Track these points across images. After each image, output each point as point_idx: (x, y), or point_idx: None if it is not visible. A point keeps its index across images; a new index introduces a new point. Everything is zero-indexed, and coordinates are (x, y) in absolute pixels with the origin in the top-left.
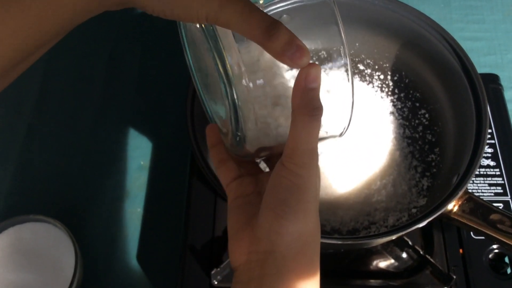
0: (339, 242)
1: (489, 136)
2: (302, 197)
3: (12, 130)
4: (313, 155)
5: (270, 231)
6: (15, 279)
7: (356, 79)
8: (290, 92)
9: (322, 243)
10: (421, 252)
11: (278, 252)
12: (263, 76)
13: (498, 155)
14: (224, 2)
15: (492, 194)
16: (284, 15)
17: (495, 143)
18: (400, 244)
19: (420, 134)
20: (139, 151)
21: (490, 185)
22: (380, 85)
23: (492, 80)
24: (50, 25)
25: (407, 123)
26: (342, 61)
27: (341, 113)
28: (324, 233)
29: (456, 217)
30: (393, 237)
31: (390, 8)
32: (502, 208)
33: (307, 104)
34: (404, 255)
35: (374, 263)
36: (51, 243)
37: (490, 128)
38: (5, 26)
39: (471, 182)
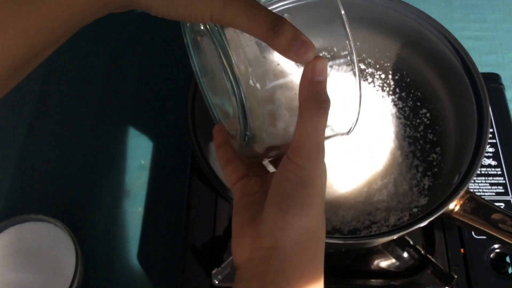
0: (340, 242)
1: (490, 135)
2: (307, 191)
3: (12, 130)
4: (320, 149)
5: (274, 227)
6: (16, 278)
7: None
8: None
9: None
10: (422, 252)
11: (281, 248)
12: (270, 74)
13: (500, 155)
14: (228, 0)
15: (494, 194)
16: (286, 14)
17: (496, 142)
18: (401, 243)
19: (421, 133)
20: (139, 151)
21: (491, 184)
22: (381, 85)
23: (493, 80)
24: (57, 26)
25: (408, 123)
26: (348, 58)
27: (348, 110)
28: (325, 232)
29: (457, 217)
30: (394, 237)
31: (391, 7)
32: (504, 207)
33: (314, 97)
34: (405, 254)
35: (375, 262)
36: (51, 243)
37: (492, 127)
38: (15, 26)
39: (472, 181)
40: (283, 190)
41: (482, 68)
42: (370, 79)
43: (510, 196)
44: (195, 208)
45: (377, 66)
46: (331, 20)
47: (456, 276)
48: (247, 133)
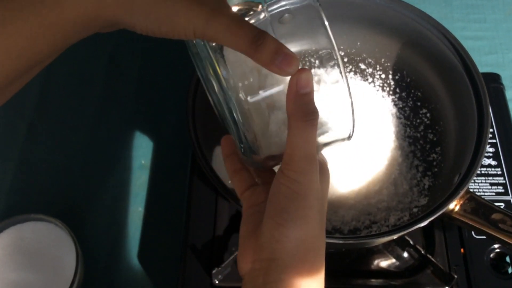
0: (341, 242)
1: (490, 135)
2: (301, 204)
3: (12, 129)
4: (312, 161)
5: (271, 239)
6: (16, 278)
7: (358, 78)
8: None
9: None
10: (422, 252)
11: (280, 260)
12: (267, 85)
13: (500, 155)
14: (210, 16)
15: (494, 194)
16: (286, 14)
17: (496, 142)
18: (401, 243)
19: (422, 133)
20: (139, 151)
21: (491, 184)
22: (381, 84)
23: (493, 79)
24: (42, 46)
25: (409, 123)
26: (333, 62)
27: (343, 115)
28: (326, 232)
29: (457, 217)
30: (394, 237)
31: (391, 7)
32: (504, 207)
33: (301, 109)
34: (405, 254)
35: (375, 262)
36: (52, 243)
37: (492, 127)
38: None
39: (472, 181)
40: (278, 203)
41: (482, 68)
42: (370, 79)
43: (510, 196)
44: (195, 208)
45: (377, 66)
46: (330, 20)
47: (456, 276)
48: (242, 145)
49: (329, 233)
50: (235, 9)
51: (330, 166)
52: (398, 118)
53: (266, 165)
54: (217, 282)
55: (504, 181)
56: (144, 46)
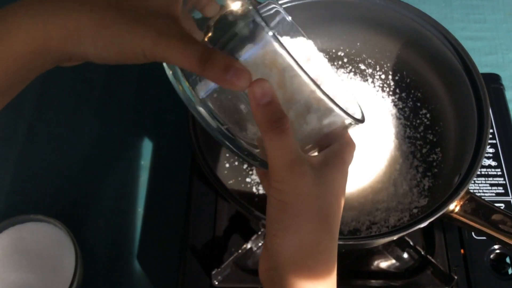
0: (341, 243)
1: (490, 136)
2: (289, 212)
3: (12, 130)
4: (292, 167)
5: (271, 249)
6: (16, 279)
7: (357, 78)
8: None
9: None
10: (422, 253)
11: (281, 268)
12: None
13: (500, 155)
14: (157, 37)
15: (494, 194)
16: (286, 16)
17: (496, 143)
18: (401, 244)
19: (421, 134)
20: (139, 151)
21: (491, 185)
22: (381, 85)
23: (493, 80)
24: None
25: (408, 123)
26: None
27: (349, 101)
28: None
29: (457, 217)
30: (394, 238)
31: (391, 7)
32: (504, 208)
33: (267, 120)
34: (405, 255)
35: (375, 263)
36: (51, 243)
37: (492, 128)
38: None
39: (472, 182)
40: (270, 215)
41: (482, 69)
42: (370, 80)
43: (510, 197)
44: (195, 208)
45: (377, 67)
46: (330, 20)
47: (456, 277)
48: (257, 161)
49: None
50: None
51: None
52: (398, 118)
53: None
54: (216, 283)
55: (504, 182)
56: None
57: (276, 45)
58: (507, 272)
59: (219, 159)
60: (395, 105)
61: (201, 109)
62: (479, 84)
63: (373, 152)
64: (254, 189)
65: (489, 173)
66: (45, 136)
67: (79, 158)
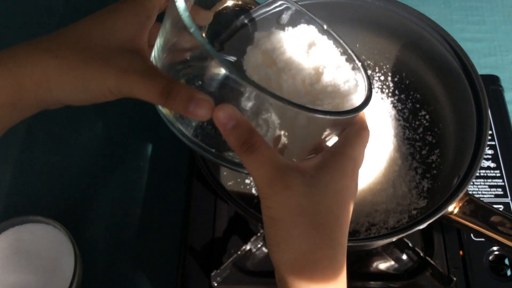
0: None
1: (489, 137)
2: (278, 227)
3: (12, 130)
4: (273, 183)
5: (273, 262)
6: (15, 280)
7: None
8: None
9: None
10: (421, 254)
11: (283, 279)
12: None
13: (499, 157)
14: (120, 74)
15: (493, 196)
16: (283, 15)
17: (495, 144)
18: (400, 245)
19: (421, 135)
20: (138, 152)
21: (490, 186)
22: (380, 86)
23: (492, 81)
24: None
25: (408, 125)
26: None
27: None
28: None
29: (456, 219)
30: (394, 239)
31: (390, 9)
32: (503, 209)
33: (237, 143)
34: (404, 256)
35: (374, 264)
36: (50, 244)
37: (491, 129)
38: None
39: (471, 183)
40: (265, 232)
41: (481, 70)
42: None
43: (509, 198)
44: (194, 209)
45: (376, 68)
46: (329, 21)
47: (455, 278)
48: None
49: None
50: (230, 3)
51: None
52: (397, 120)
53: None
54: (216, 284)
55: (503, 183)
56: None
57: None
58: (506, 273)
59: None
60: (394, 107)
61: (193, 143)
62: (478, 86)
63: (372, 153)
64: (253, 191)
65: (488, 174)
66: (44, 137)
67: (78, 160)
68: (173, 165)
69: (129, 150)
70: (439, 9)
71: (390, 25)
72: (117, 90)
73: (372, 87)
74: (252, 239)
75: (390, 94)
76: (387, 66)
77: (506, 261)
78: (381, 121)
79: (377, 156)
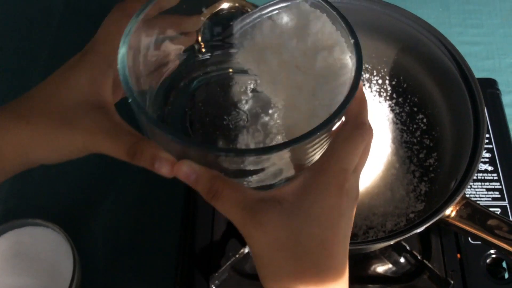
0: None
1: (486, 141)
2: (259, 264)
3: None
4: (245, 224)
5: None
6: (14, 283)
7: None
8: None
9: None
10: (419, 257)
11: None
12: None
13: (496, 160)
14: (86, 136)
15: (490, 199)
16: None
17: (492, 147)
18: (398, 249)
19: (418, 138)
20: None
21: (487, 190)
22: (378, 90)
23: (490, 85)
24: None
25: (405, 128)
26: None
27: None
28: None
29: (453, 222)
30: (391, 242)
31: (388, 13)
32: (500, 213)
33: (204, 192)
34: (402, 260)
35: (372, 268)
36: (49, 247)
37: (488, 132)
38: None
39: (468, 187)
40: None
41: (478, 73)
42: (367, 85)
43: (506, 202)
44: (193, 212)
45: (374, 72)
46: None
47: (452, 281)
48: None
49: None
50: (226, 5)
51: None
52: (395, 123)
53: None
54: (214, 287)
55: (500, 187)
56: None
57: None
58: (503, 276)
59: None
60: (392, 110)
61: None
62: (475, 89)
63: (370, 157)
64: None
65: (485, 178)
66: None
67: (77, 162)
68: None
69: None
70: (438, 12)
71: (387, 29)
72: (86, 150)
73: (361, 77)
74: None
75: (387, 98)
76: (385, 69)
77: (504, 264)
78: (379, 124)
79: (375, 160)
